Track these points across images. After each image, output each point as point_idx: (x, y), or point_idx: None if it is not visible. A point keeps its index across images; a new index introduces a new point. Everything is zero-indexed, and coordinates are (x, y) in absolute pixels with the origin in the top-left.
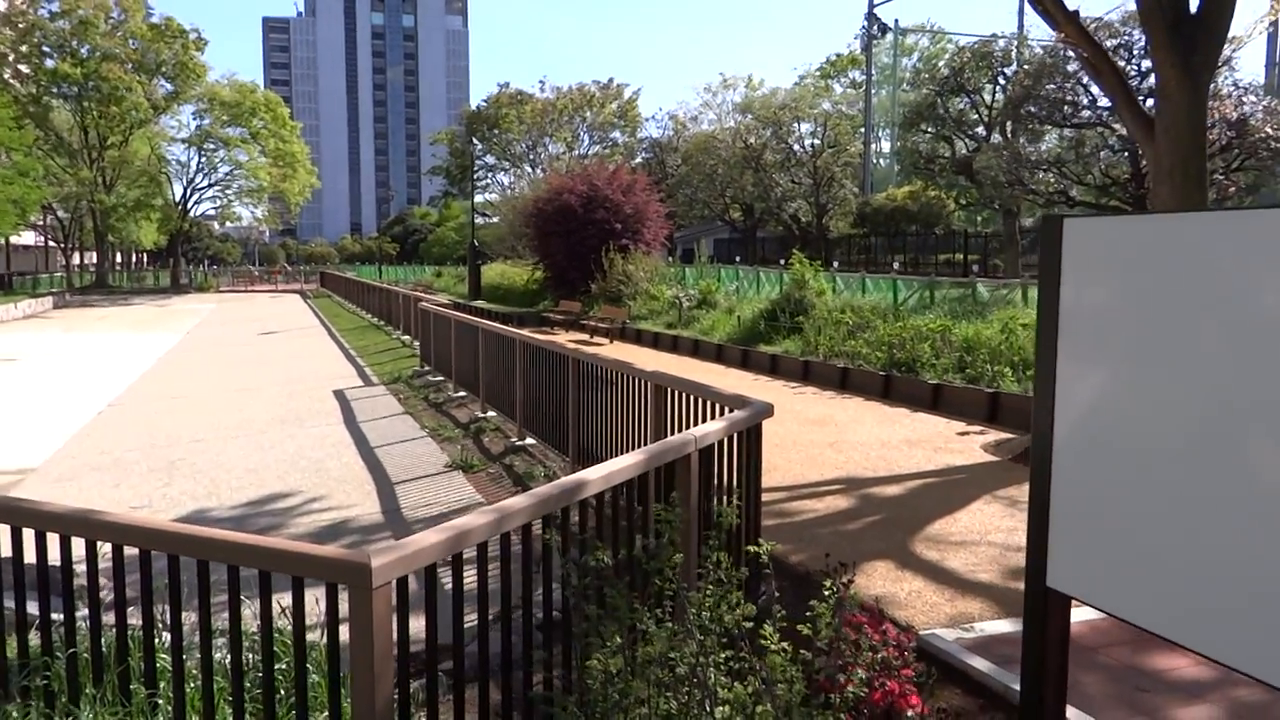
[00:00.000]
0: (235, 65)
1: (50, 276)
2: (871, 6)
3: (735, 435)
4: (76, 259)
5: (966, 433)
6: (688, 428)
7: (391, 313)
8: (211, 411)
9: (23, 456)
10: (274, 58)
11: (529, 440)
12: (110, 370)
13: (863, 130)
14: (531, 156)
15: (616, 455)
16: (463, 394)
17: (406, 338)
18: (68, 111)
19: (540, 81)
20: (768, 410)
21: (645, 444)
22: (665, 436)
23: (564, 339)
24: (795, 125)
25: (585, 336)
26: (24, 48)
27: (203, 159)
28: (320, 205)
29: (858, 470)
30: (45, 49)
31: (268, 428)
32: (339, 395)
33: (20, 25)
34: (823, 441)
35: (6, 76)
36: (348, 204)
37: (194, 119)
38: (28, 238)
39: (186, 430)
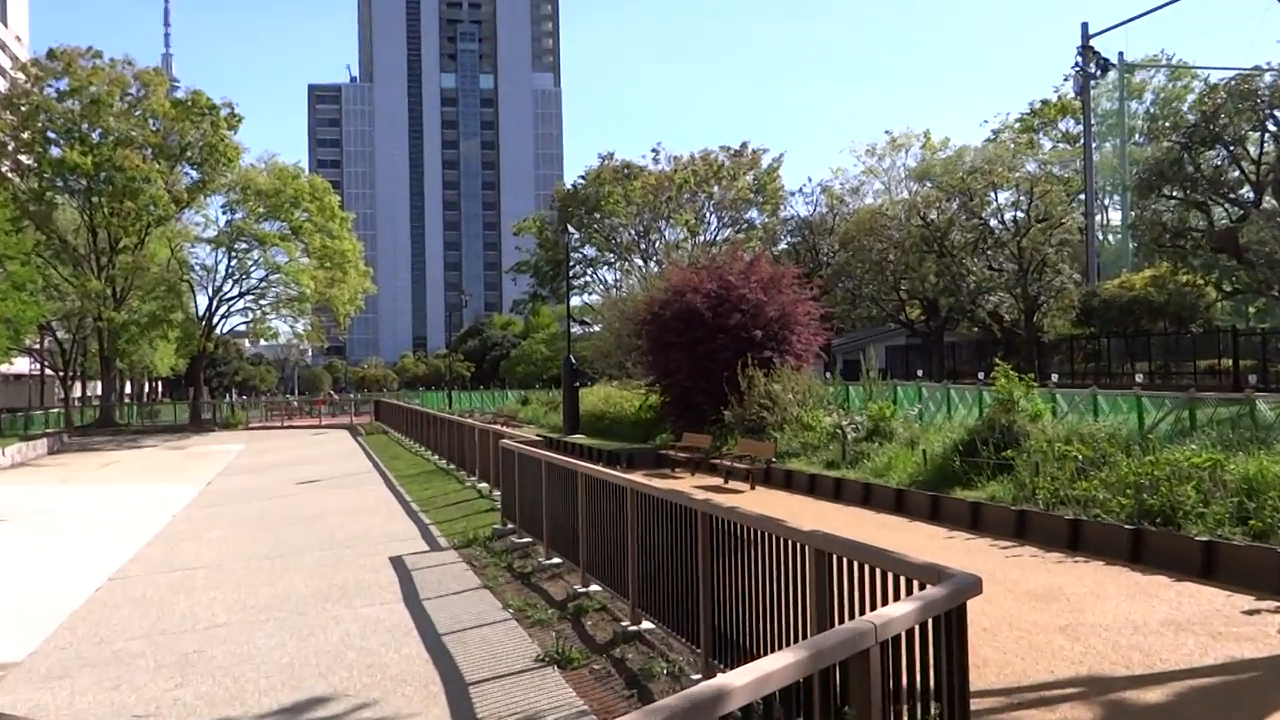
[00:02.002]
0: (275, 144)
1: (46, 414)
2: (1086, 37)
3: (930, 620)
4: (78, 390)
5: (1256, 610)
6: (863, 610)
7: (464, 453)
8: (236, 586)
9: (3, 647)
10: (321, 133)
11: (645, 624)
12: (113, 533)
13: (1082, 198)
14: (643, 246)
15: (765, 646)
16: (557, 561)
17: (483, 486)
18: (74, 209)
19: (653, 150)
20: (974, 584)
21: (805, 633)
22: (832, 623)
23: (690, 485)
24: (991, 194)
25: (718, 481)
26: (26, 134)
27: (233, 262)
28: (376, 316)
29: (1102, 666)
30: (51, 134)
31: (307, 607)
32: (397, 563)
33: (23, 108)
34: (1050, 624)
35: (4, 169)
36: (410, 313)
37: (223, 213)
38: (20, 365)
39: (204, 611)
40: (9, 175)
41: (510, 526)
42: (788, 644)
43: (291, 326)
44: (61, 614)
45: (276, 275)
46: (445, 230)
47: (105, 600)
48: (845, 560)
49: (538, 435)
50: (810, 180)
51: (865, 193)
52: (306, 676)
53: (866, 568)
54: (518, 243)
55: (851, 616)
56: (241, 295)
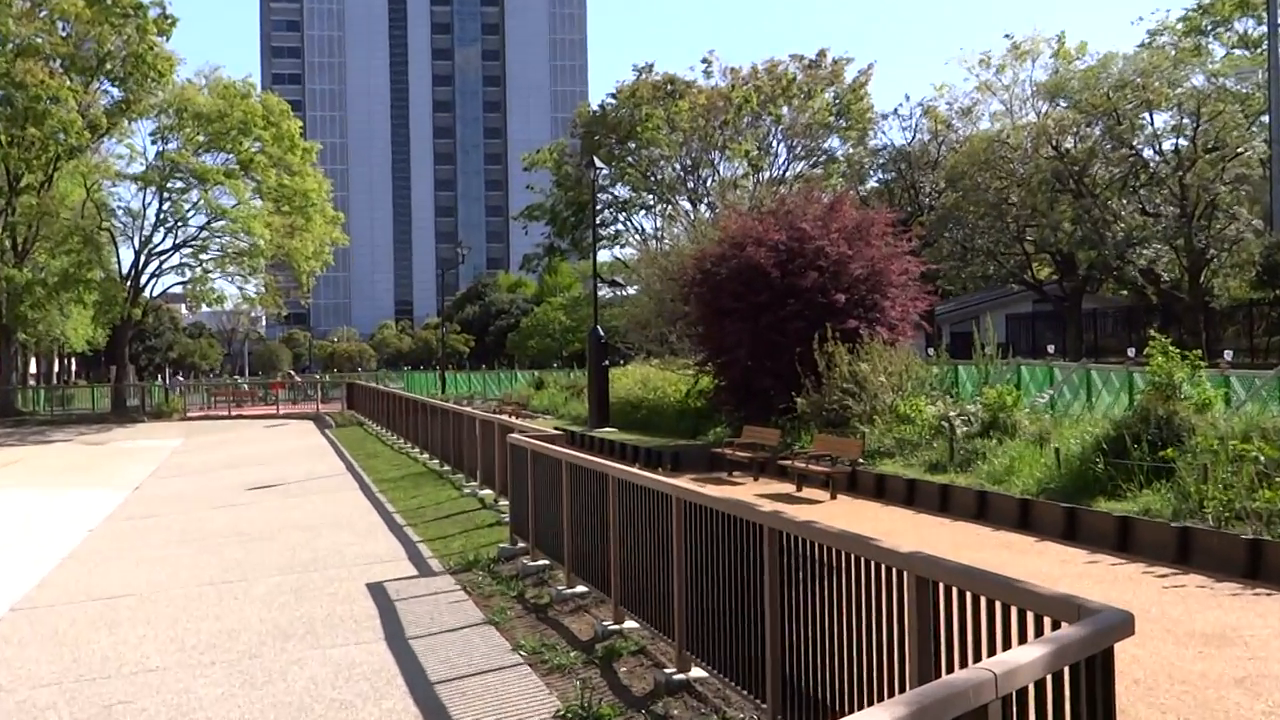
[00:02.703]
0: (220, 55)
1: None
2: None
3: (1066, 669)
4: None
5: None
6: (978, 656)
7: (462, 451)
8: (172, 620)
9: None
10: (278, 40)
11: (696, 671)
12: (15, 551)
13: (1266, 120)
14: (691, 184)
15: (850, 701)
16: (582, 590)
17: (487, 493)
18: None
19: (704, 61)
20: (1122, 623)
21: (904, 684)
22: (939, 671)
23: (752, 493)
24: (1145, 116)
25: (788, 487)
26: None
27: (165, 205)
28: (348, 275)
29: None
30: None
31: (262, 648)
32: (377, 591)
33: None
34: (1223, 675)
35: None
36: (391, 271)
37: (153, 142)
38: None
39: (132, 652)
40: None
41: (521, 545)
42: (880, 698)
43: (240, 288)
44: None
45: (221, 222)
46: (436, 165)
47: (6, 637)
48: (955, 590)
49: (556, 428)
50: (907, 100)
51: (979, 115)
52: None
53: (983, 600)
54: (529, 180)
55: (964, 663)
56: (176, 248)
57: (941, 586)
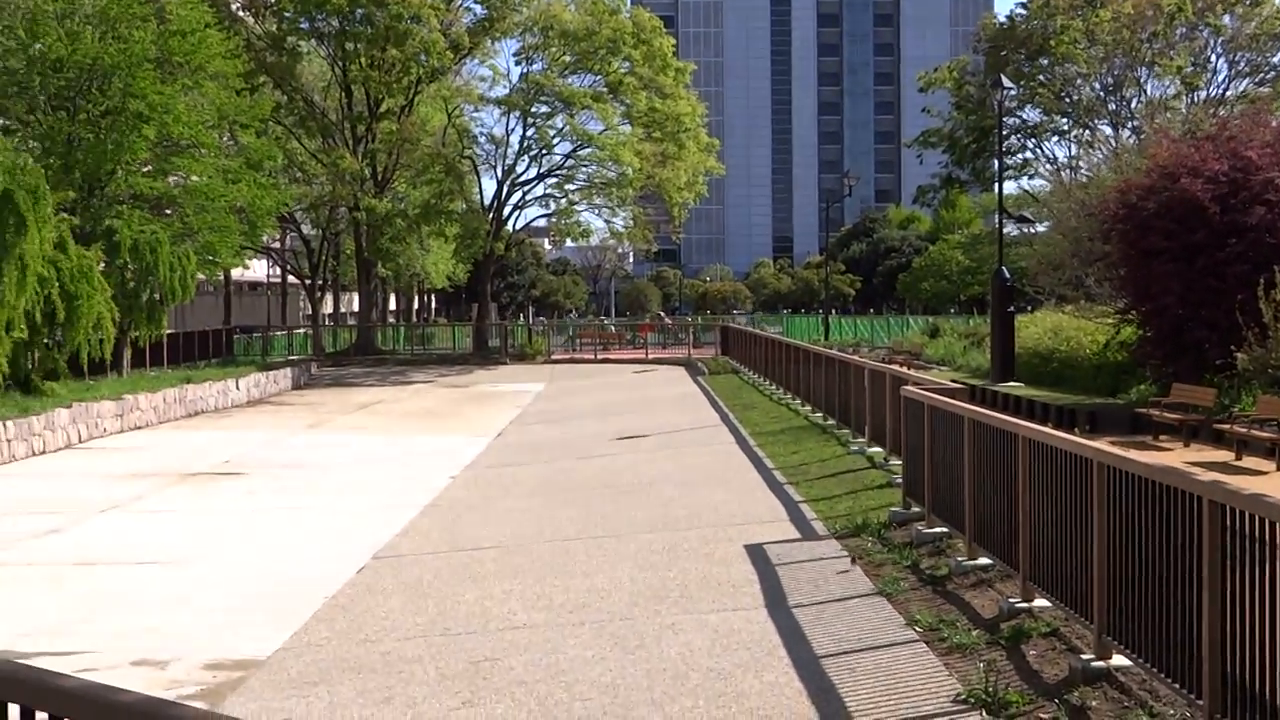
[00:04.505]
0: None
1: (289, 335)
2: None
3: None
4: (328, 305)
5: None
6: None
7: (848, 403)
8: (538, 576)
9: (243, 639)
10: None
11: (1117, 659)
12: (377, 497)
13: None
14: (1113, 106)
15: None
16: (984, 562)
17: (876, 451)
18: (322, 60)
19: None
20: None
21: None
22: None
23: (1182, 459)
24: None
25: (1225, 455)
26: None
27: (529, 131)
28: (722, 208)
29: None
30: None
31: (632, 609)
32: (756, 555)
33: None
34: None
35: (236, 8)
36: (769, 205)
37: (516, 64)
38: (257, 269)
39: (498, 607)
40: (241, 15)
41: (916, 510)
42: None
43: (608, 221)
44: (314, 601)
45: (587, 150)
46: (820, 86)
47: (370, 585)
48: None
49: (954, 381)
50: None
51: None
52: (635, 703)
53: None
54: (925, 103)
55: None
56: (541, 178)
57: None
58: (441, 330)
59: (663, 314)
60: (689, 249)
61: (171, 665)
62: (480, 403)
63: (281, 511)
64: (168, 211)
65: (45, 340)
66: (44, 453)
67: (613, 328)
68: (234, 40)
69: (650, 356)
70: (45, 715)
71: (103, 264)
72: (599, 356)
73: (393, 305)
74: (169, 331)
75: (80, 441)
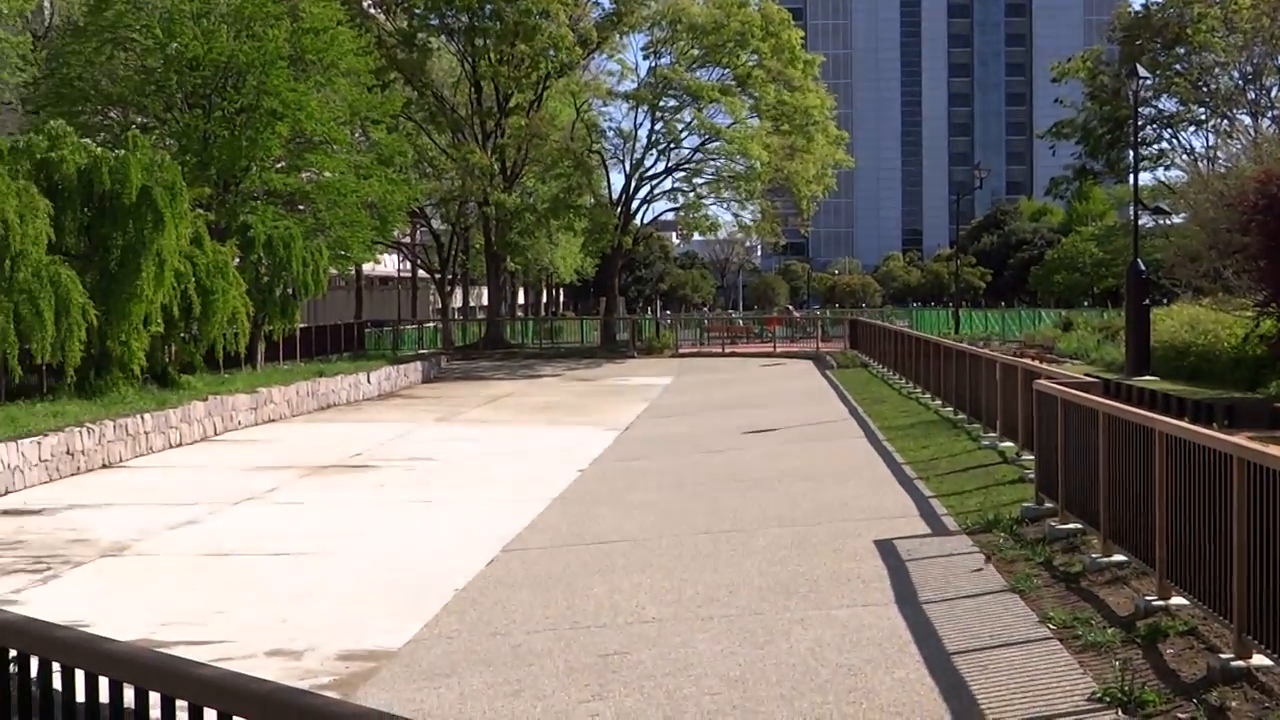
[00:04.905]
0: None
1: (419, 329)
2: None
3: None
4: (458, 299)
5: None
6: None
7: (978, 397)
8: (666, 570)
9: (375, 630)
10: None
11: (1259, 659)
12: (506, 490)
13: None
14: (1252, 95)
15: None
16: (1120, 559)
17: (1007, 445)
18: (452, 56)
19: None
20: None
21: None
22: None
23: None
24: None
25: None
26: None
27: (658, 125)
28: (851, 201)
29: None
30: None
31: (762, 604)
32: (886, 550)
33: None
34: None
35: (366, 4)
36: (898, 198)
37: (644, 58)
38: (388, 264)
39: (626, 601)
40: (372, 12)
41: (1049, 506)
42: None
43: (735, 215)
44: (444, 593)
45: (715, 143)
46: (951, 77)
47: (499, 578)
48: None
49: (1088, 375)
50: None
51: None
52: (764, 698)
53: None
54: (1057, 93)
55: None
56: (669, 171)
57: None
58: (569, 324)
59: (791, 307)
60: (817, 242)
61: (305, 655)
62: (608, 396)
63: (411, 504)
64: (300, 207)
65: (182, 334)
66: (180, 445)
67: (740, 321)
68: (365, 37)
69: (778, 350)
70: (185, 703)
71: (237, 259)
72: (726, 350)
73: (521, 299)
74: (301, 325)
75: (215, 434)
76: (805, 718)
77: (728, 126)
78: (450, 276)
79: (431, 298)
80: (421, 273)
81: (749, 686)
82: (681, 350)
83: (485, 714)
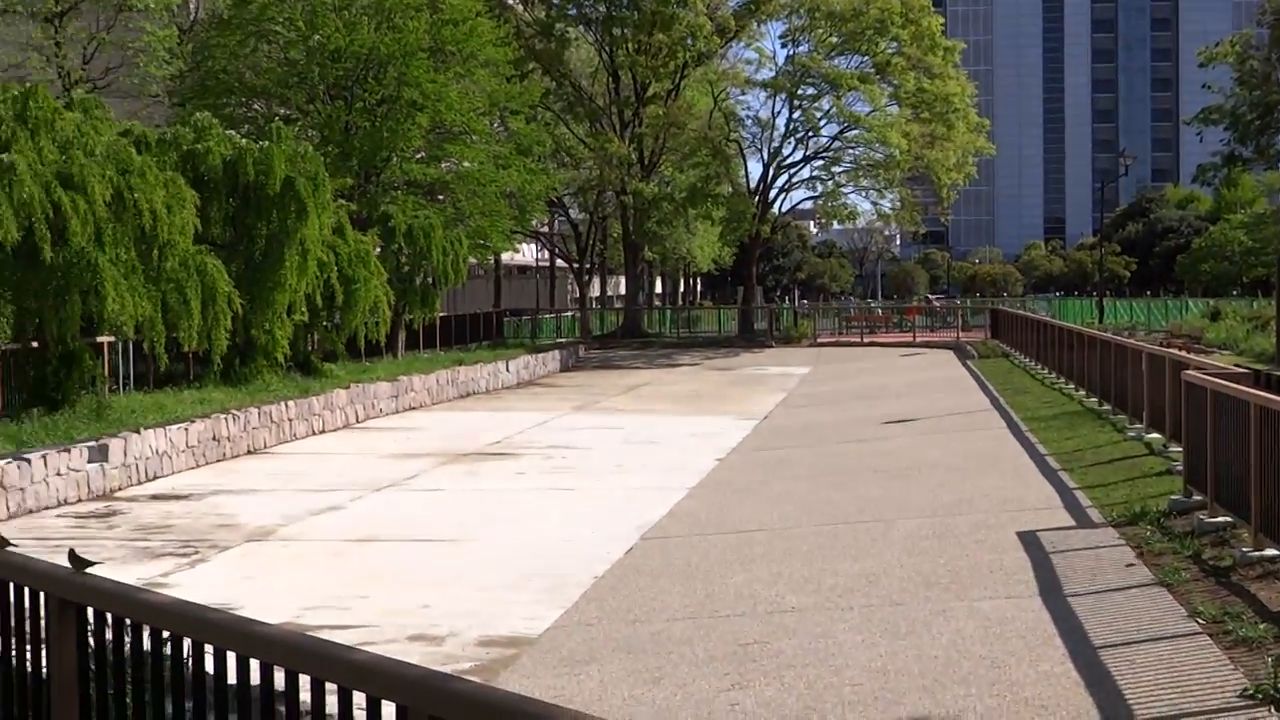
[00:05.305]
0: None
1: (557, 318)
2: None
3: None
4: (595, 288)
5: None
6: None
7: (1123, 388)
8: (806, 559)
9: (515, 617)
10: None
11: None
12: (644, 478)
13: None
14: None
15: None
16: (1272, 554)
17: (1154, 437)
18: (589, 46)
19: None
20: None
21: None
22: None
23: None
24: None
25: None
26: None
27: (796, 114)
28: (991, 189)
29: None
30: None
31: (903, 595)
32: (1029, 542)
33: None
34: None
35: None
36: (1040, 185)
37: (782, 45)
38: (525, 254)
39: (766, 590)
40: (511, 3)
41: (1198, 498)
42: None
43: (874, 204)
44: (583, 580)
45: (854, 131)
46: (1094, 62)
47: (638, 566)
48: None
49: (1237, 365)
50: None
51: None
52: (906, 689)
53: None
54: (1204, 78)
55: None
56: (807, 160)
57: None
58: (707, 313)
59: (930, 297)
60: (957, 231)
61: (446, 641)
62: (746, 385)
63: (550, 492)
64: (440, 197)
65: (324, 323)
66: (323, 432)
67: (879, 310)
68: (504, 28)
69: (917, 340)
70: (334, 687)
71: (378, 248)
72: (865, 340)
73: (658, 288)
74: (441, 314)
75: (357, 421)
76: (948, 710)
77: (867, 114)
78: (588, 266)
79: (569, 287)
80: (559, 262)
81: (890, 678)
82: (820, 340)
83: (626, 701)
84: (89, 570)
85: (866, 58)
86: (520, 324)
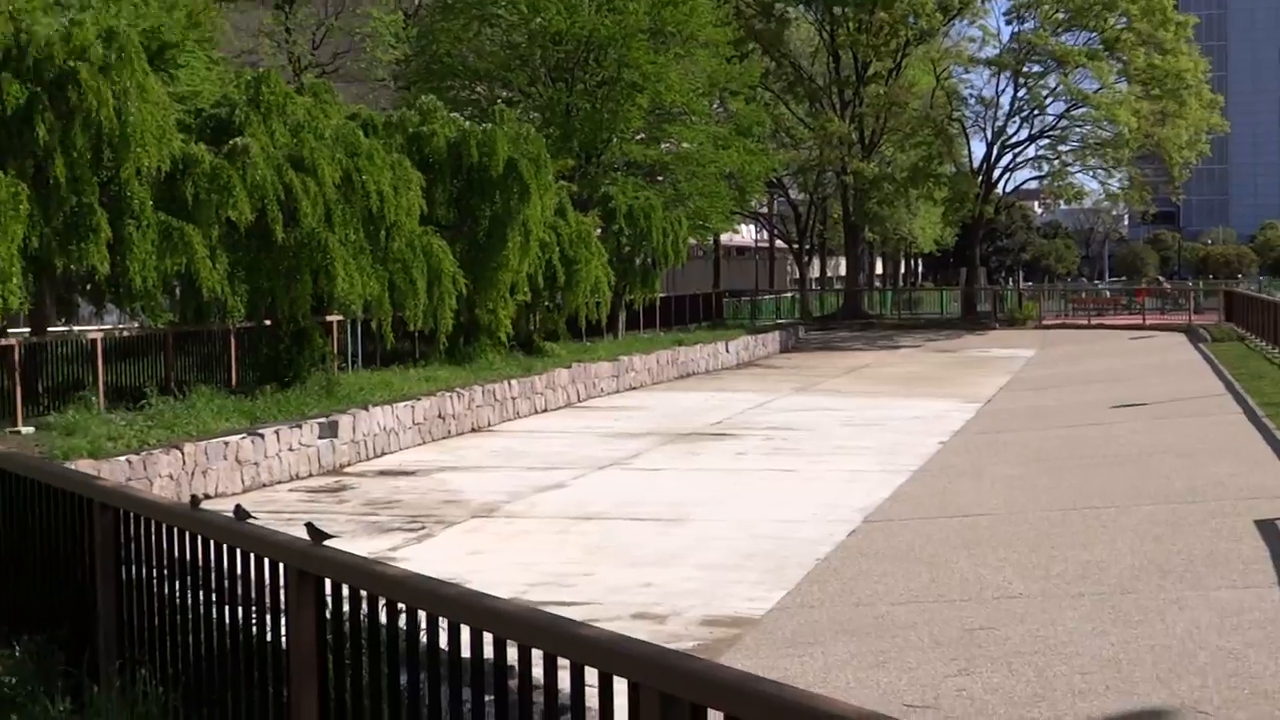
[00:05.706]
0: None
1: (776, 299)
2: None
3: None
4: (815, 269)
5: None
6: None
7: None
8: (1032, 545)
9: (737, 598)
10: None
11: None
12: (866, 460)
13: None
14: None
15: None
16: None
17: None
18: (809, 25)
19: None
20: None
21: None
22: None
23: None
24: None
25: None
26: None
27: (1020, 92)
28: (1226, 167)
29: None
30: None
31: (1133, 583)
32: (1266, 529)
33: None
34: None
35: None
36: (1277, 164)
37: (1007, 23)
38: (745, 234)
39: (992, 576)
40: None
41: None
42: None
43: (1102, 183)
44: (805, 562)
45: (1081, 109)
46: None
47: (861, 549)
48: None
49: None
50: None
51: None
52: (1138, 679)
53: None
54: None
55: None
56: (1032, 139)
57: None
58: (929, 295)
59: (1160, 278)
60: (1189, 211)
61: (669, 620)
62: (969, 368)
63: (771, 473)
64: (659, 178)
65: (546, 303)
66: (545, 411)
67: (1107, 292)
68: (724, 8)
69: (1147, 323)
70: (566, 662)
71: (599, 229)
72: (1092, 322)
73: (879, 270)
74: (660, 295)
75: (578, 401)
76: (1183, 701)
77: (1094, 91)
78: (808, 246)
79: (789, 268)
80: (779, 243)
81: (1122, 667)
82: (1045, 322)
83: (851, 684)
84: (326, 543)
85: (1094, 34)
86: (739, 305)
